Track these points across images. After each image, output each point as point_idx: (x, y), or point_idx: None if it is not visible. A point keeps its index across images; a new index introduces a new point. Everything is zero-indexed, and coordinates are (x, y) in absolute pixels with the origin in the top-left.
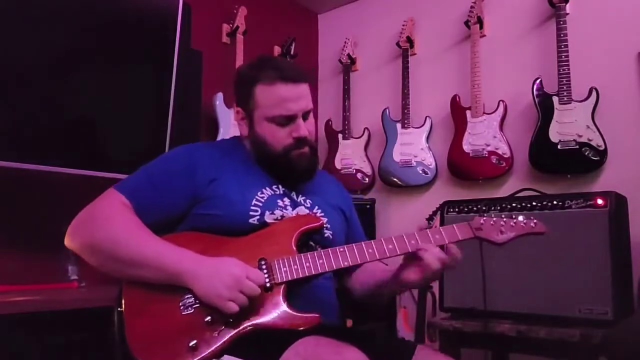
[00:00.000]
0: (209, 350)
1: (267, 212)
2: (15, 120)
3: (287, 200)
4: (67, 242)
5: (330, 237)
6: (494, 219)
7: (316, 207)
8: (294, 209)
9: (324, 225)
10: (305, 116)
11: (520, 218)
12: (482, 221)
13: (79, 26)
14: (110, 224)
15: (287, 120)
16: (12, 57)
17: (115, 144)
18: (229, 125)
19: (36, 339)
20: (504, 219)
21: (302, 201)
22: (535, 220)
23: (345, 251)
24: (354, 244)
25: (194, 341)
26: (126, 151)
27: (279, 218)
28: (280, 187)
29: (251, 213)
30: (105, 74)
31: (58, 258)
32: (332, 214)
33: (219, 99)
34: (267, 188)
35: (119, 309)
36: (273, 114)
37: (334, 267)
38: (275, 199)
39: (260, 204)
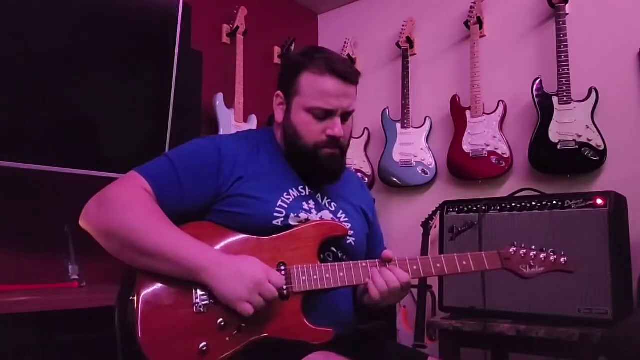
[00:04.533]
0: (219, 356)
1: (292, 215)
2: (16, 120)
3: (312, 203)
4: (82, 223)
5: (353, 243)
6: (524, 250)
7: (340, 212)
8: (318, 212)
9: (348, 238)
10: (344, 117)
11: (550, 252)
12: (512, 251)
13: (79, 26)
14: (129, 210)
15: (325, 114)
16: (12, 57)
17: (116, 144)
18: (229, 125)
19: (37, 338)
20: (534, 252)
21: (327, 204)
22: (565, 258)
23: (367, 267)
24: (377, 261)
25: (204, 343)
26: (126, 151)
27: (303, 221)
28: (306, 188)
29: (275, 214)
30: (105, 74)
31: (58, 258)
32: (356, 218)
33: (219, 99)
34: (294, 189)
35: (131, 297)
36: (312, 105)
37: (354, 283)
38: (300, 202)
39: (286, 206)
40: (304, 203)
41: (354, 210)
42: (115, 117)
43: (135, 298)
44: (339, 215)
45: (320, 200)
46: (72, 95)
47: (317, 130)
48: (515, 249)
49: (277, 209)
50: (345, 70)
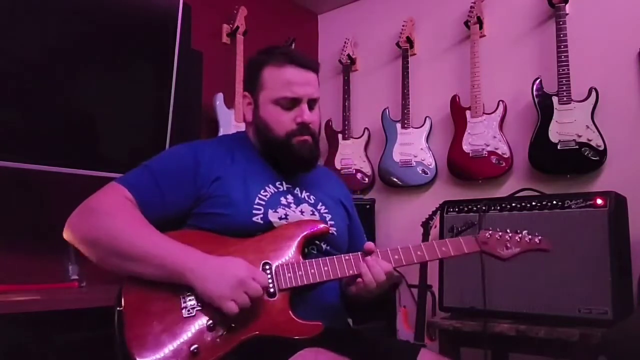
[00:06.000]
0: (210, 357)
1: (271, 211)
2: (15, 120)
3: (290, 198)
4: (66, 235)
5: (335, 234)
6: (500, 233)
7: (320, 204)
8: (297, 206)
9: (330, 232)
10: (311, 104)
11: (525, 233)
12: (488, 235)
13: (79, 26)
14: (113, 218)
15: (292, 103)
16: (12, 57)
17: (116, 144)
18: (229, 125)
19: (37, 338)
20: (509, 234)
21: (306, 197)
22: (540, 237)
23: (350, 259)
24: (359, 253)
25: (195, 345)
26: (126, 151)
27: (283, 216)
28: (283, 183)
29: (254, 212)
30: (105, 74)
31: (58, 258)
32: (336, 209)
33: (219, 99)
34: (270, 185)
35: (118, 307)
36: (278, 96)
37: (339, 276)
38: (278, 197)
39: (264, 202)
40: (282, 198)
41: (333, 202)
42: (115, 117)
43: (123, 307)
44: (318, 207)
45: (298, 194)
46: (72, 95)
47: (286, 119)
48: (490, 232)
49: (255, 206)
50: (304, 60)
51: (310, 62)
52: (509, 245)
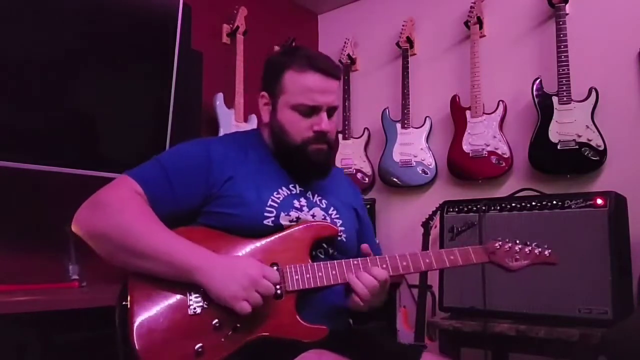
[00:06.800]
0: (215, 357)
1: (283, 214)
2: (15, 120)
3: (303, 201)
4: (74, 228)
5: (344, 239)
6: (509, 244)
7: (332, 208)
8: (310, 209)
9: (339, 235)
10: (330, 112)
11: (534, 245)
12: (497, 245)
13: (79, 26)
14: (122, 213)
15: (310, 110)
16: (12, 57)
17: (116, 144)
18: (229, 125)
19: (37, 338)
20: (519, 246)
21: (318, 201)
22: (549, 250)
23: (359, 264)
24: (368, 258)
25: (200, 344)
26: (126, 151)
27: (294, 219)
28: (296, 186)
29: (266, 214)
30: (105, 74)
31: (58, 258)
32: (347, 215)
33: (219, 99)
34: (284, 188)
35: (123, 302)
36: (298, 102)
37: (347, 280)
38: (291, 200)
39: (276, 205)
40: (295, 201)
41: (344, 206)
42: (115, 117)
43: (128, 302)
44: (330, 212)
45: (311, 198)
46: (72, 95)
47: (303, 126)
48: (500, 243)
49: (267, 208)
50: (326, 66)
51: (333, 69)
52: (517, 257)
